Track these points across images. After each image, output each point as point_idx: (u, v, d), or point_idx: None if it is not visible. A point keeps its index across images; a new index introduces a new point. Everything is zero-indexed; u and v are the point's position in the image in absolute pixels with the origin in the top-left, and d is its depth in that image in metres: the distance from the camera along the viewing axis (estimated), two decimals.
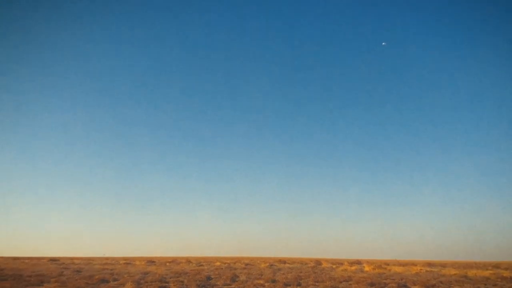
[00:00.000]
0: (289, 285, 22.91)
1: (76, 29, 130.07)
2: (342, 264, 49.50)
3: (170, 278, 27.37)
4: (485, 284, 24.35)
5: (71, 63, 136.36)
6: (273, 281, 25.06)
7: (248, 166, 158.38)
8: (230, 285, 23.35)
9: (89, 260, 69.37)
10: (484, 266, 49.94)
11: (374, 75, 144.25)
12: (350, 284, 23.83)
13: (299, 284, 23.44)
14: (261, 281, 25.05)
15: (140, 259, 79.06)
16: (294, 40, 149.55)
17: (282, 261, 60.42)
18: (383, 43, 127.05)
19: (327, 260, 66.85)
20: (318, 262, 55.57)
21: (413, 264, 54.58)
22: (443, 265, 53.93)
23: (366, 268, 37.84)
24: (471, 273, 31.86)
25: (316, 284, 23.66)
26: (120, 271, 35.15)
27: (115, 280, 25.97)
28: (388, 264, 46.20)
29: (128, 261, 61.26)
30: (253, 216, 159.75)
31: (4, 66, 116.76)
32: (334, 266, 44.57)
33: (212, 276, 28.66)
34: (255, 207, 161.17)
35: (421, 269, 36.82)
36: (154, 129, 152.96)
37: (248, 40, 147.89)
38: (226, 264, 48.05)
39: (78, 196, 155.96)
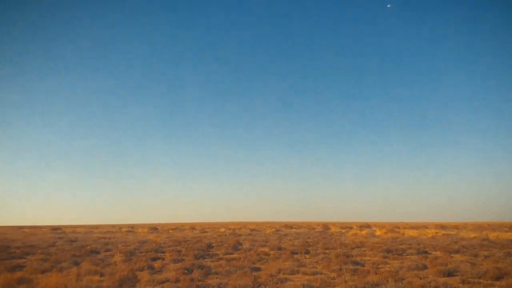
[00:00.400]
0: (296, 253, 20.71)
1: (76, 29, 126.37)
2: (351, 228, 47.69)
3: (168, 247, 25.37)
4: None
5: (72, 63, 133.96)
6: (279, 248, 22.90)
7: (253, 130, 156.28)
8: (232, 253, 21.21)
9: (92, 229, 68.63)
10: (499, 227, 47.91)
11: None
12: (364, 251, 21.60)
13: (307, 252, 21.24)
14: (266, 249, 22.91)
15: (145, 226, 78.41)
16: (293, 38, 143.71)
17: (289, 226, 58.92)
18: (388, 5, 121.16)
19: (335, 224, 65.36)
20: (326, 226, 53.90)
21: (425, 227, 52.69)
22: (456, 227, 52.00)
23: (378, 232, 35.79)
24: (492, 235, 29.58)
25: (326, 251, 21.45)
26: (118, 240, 33.41)
27: (107, 250, 23.99)
28: (399, 228, 44.20)
29: (131, 229, 60.15)
30: (259, 181, 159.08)
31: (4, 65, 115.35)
32: (343, 231, 42.69)
33: (214, 244, 26.64)
34: (261, 172, 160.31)
35: (436, 232, 34.67)
36: (152, 96, 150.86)
37: (248, 38, 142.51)
38: (231, 230, 46.42)
39: (86, 163, 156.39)
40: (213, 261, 18.39)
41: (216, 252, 22.00)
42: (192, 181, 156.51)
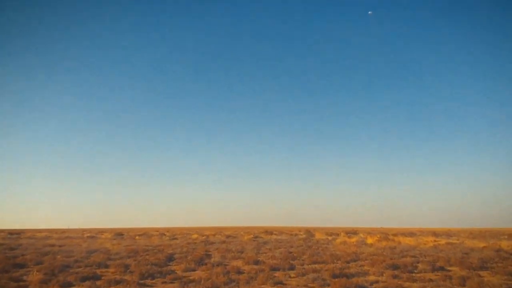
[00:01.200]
0: (278, 270, 16.02)
1: (77, 30, 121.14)
2: (337, 235, 43.24)
3: (119, 259, 20.26)
4: None
5: (73, 62, 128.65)
6: (256, 262, 18.10)
7: (234, 133, 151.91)
8: (194, 270, 16.35)
9: (59, 233, 62.38)
10: (497, 234, 44.43)
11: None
12: (363, 266, 17.08)
13: (291, 268, 16.55)
14: (240, 263, 18.13)
15: (112, 230, 72.28)
16: (294, 39, 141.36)
17: (269, 231, 54.09)
18: (369, 12, 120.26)
19: (318, 230, 60.85)
20: (309, 232, 49.35)
21: (416, 233, 48.83)
22: (449, 234, 48.33)
23: (369, 240, 31.42)
24: (505, 245, 25.54)
25: (316, 266, 16.81)
26: (66, 249, 28.02)
27: (38, 263, 18.72)
28: (391, 235, 39.99)
29: (94, 234, 54.26)
30: (237, 184, 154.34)
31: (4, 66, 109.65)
32: (329, 238, 38.18)
33: (176, 256, 21.63)
34: (240, 174, 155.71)
35: (435, 241, 30.57)
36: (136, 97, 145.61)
37: (249, 39, 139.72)
38: (204, 237, 41.31)
39: (74, 166, 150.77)
40: (164, 282, 13.51)
41: (174, 267, 17.04)
42: (172, 186, 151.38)
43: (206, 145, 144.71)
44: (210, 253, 23.16)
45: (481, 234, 44.23)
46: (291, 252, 23.29)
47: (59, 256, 21.90)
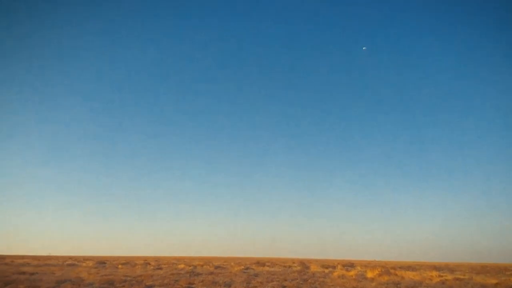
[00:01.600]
0: None
1: (79, 30, 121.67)
2: (334, 267, 40.57)
3: None
4: None
5: (74, 62, 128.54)
6: None
7: (225, 160, 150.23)
8: None
9: (35, 260, 58.83)
10: (502, 270, 42.00)
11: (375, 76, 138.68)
12: None
13: None
14: None
15: (98, 258, 68.62)
16: (294, 41, 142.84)
17: (261, 262, 51.11)
18: (363, 48, 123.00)
19: (313, 261, 57.82)
20: (304, 264, 46.54)
21: (411, 266, 46.24)
22: (450, 268, 45.80)
23: (369, 274, 28.99)
24: None
25: None
26: (36, 277, 25.34)
27: None
28: (392, 268, 37.43)
29: (76, 261, 51.01)
30: (231, 214, 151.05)
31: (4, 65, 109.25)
32: (326, 271, 35.54)
33: None
34: (233, 205, 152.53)
35: (441, 276, 28.22)
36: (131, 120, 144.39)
37: (249, 42, 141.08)
38: (191, 267, 38.43)
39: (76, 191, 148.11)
40: None
41: None
42: (167, 213, 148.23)
43: (200, 174, 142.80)
44: (193, 285, 20.69)
45: (485, 270, 41.79)
46: (285, 286, 20.90)
47: (21, 286, 19.35)
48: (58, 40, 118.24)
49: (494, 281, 24.09)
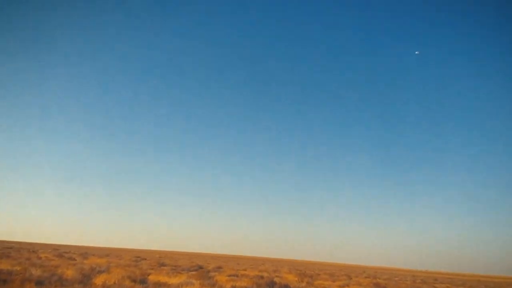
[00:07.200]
0: None
1: (80, 30, 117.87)
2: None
3: None
4: None
5: (77, 62, 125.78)
6: None
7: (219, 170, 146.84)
8: None
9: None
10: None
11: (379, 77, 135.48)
12: None
13: None
14: None
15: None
16: (299, 43, 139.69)
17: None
18: (416, 52, 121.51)
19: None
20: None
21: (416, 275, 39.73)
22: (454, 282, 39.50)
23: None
24: None
25: None
26: None
27: None
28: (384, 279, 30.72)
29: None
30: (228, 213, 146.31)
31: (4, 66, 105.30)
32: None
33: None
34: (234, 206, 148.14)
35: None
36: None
37: (257, 41, 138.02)
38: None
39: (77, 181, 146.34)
40: None
41: None
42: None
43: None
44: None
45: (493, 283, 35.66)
46: None
47: None
48: (58, 40, 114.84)
49: None
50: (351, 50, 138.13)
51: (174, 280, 15.92)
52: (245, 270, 32.33)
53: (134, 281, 14.66)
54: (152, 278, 16.59)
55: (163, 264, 29.02)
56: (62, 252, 42.49)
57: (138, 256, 43.29)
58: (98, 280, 14.39)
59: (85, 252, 51.09)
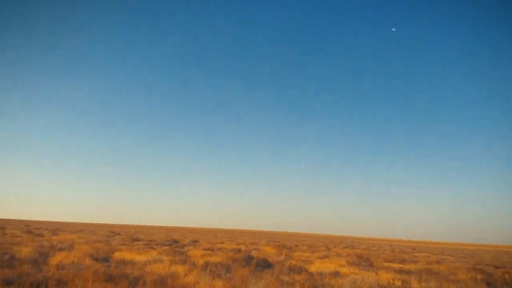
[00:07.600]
0: None
1: (81, 30, 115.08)
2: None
3: None
4: None
5: (78, 62, 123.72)
6: None
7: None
8: None
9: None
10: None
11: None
12: None
13: None
14: None
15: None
16: (297, 40, 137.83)
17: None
18: (393, 29, 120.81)
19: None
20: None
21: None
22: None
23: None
24: None
25: None
26: None
27: None
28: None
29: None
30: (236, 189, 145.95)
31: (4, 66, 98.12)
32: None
33: None
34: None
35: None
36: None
37: (253, 41, 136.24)
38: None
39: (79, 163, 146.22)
40: None
41: None
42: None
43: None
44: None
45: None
46: None
47: None
48: (60, 40, 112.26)
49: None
50: (351, 50, 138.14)
51: (142, 257, 14.65)
52: (222, 243, 31.50)
53: (96, 259, 13.33)
54: (117, 255, 15.25)
55: (136, 239, 27.80)
56: (32, 228, 40.69)
57: (112, 231, 41.90)
58: (55, 259, 12.99)
59: (57, 228, 49.35)
